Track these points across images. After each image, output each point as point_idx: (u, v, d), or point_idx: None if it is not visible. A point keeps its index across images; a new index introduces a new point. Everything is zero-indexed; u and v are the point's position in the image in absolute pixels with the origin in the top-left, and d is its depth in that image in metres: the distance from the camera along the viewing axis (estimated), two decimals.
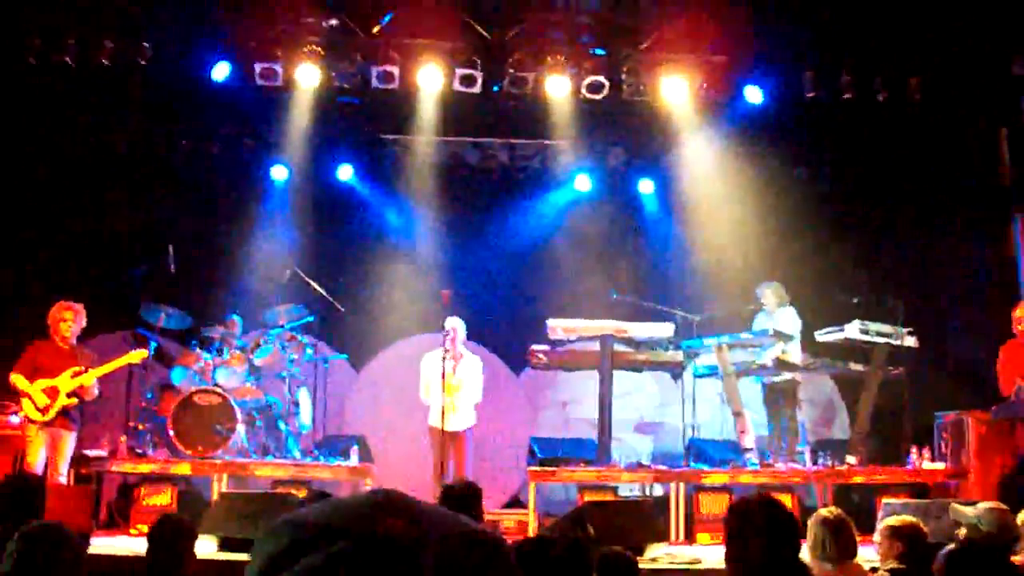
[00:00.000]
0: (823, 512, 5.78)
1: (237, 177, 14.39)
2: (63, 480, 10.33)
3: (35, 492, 6.16)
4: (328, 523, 1.08)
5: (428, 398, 11.78)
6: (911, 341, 12.16)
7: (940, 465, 11.56)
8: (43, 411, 10.15)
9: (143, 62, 12.59)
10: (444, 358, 11.27)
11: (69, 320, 10.52)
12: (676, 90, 13.26)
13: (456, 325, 11.74)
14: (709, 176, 14.40)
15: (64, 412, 10.25)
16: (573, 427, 14.09)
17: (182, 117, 13.98)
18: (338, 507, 1.09)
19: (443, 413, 11.32)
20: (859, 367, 12.27)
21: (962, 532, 7.07)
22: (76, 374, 10.28)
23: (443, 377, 11.17)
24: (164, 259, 12.42)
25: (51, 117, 13.49)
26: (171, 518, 5.91)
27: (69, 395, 10.23)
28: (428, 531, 1.06)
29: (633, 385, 13.79)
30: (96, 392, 10.54)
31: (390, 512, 1.07)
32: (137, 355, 10.93)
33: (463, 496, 6.55)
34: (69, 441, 10.37)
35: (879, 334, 12.01)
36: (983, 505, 7.28)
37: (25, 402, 10.19)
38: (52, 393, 10.18)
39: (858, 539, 5.88)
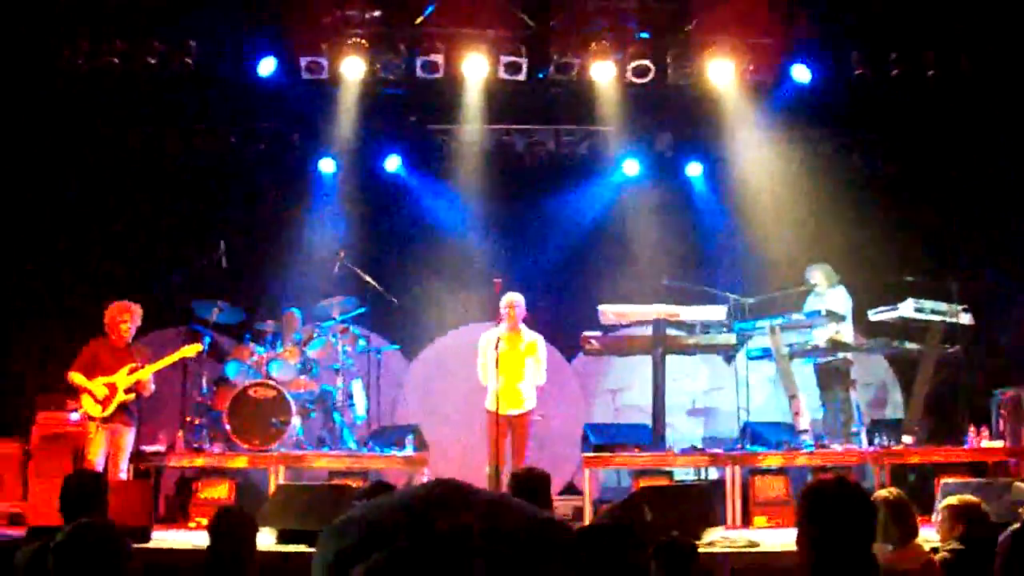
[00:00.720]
0: (883, 493, 5.75)
1: (285, 171, 14.46)
2: (123, 476, 10.45)
3: (97, 489, 6.21)
4: (387, 521, 1.08)
5: (485, 379, 11.32)
6: (966, 319, 12.03)
7: (998, 443, 11.45)
8: (103, 407, 10.27)
9: (189, 61, 12.71)
10: (500, 337, 10.94)
11: (128, 320, 10.64)
12: (722, 72, 13.20)
13: (515, 300, 11.29)
14: (758, 158, 14.31)
15: (123, 408, 10.38)
16: (625, 413, 14.07)
17: (230, 114, 14.07)
18: (396, 504, 1.10)
19: (498, 396, 11.00)
20: (914, 346, 12.16)
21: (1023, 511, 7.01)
22: (133, 370, 10.40)
23: (497, 358, 10.82)
24: (216, 255, 12.54)
25: (101, 118, 13.62)
26: (231, 510, 5.96)
27: (127, 391, 10.36)
28: (486, 525, 1.07)
29: (685, 370, 13.74)
30: (152, 388, 10.67)
31: (447, 507, 1.07)
32: (191, 349, 11.04)
33: (528, 483, 6.54)
34: (128, 437, 10.50)
35: (934, 312, 11.89)
36: None
37: (85, 399, 10.32)
38: (111, 389, 10.30)
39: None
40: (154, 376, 10.80)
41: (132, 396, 10.43)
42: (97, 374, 10.35)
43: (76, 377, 10.34)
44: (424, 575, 1.04)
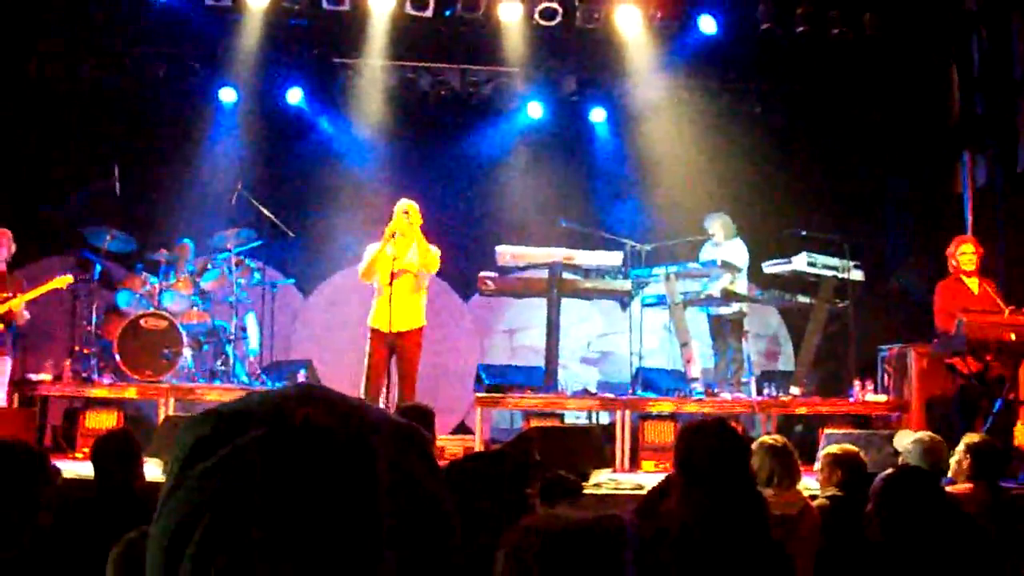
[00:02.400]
0: (767, 439, 5.86)
1: (185, 99, 14.14)
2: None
3: None
4: (248, 411, 1.07)
5: (368, 275, 10.48)
6: (857, 275, 12.29)
7: (882, 398, 11.72)
8: None
9: None
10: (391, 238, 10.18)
11: None
12: (629, 18, 13.22)
13: (409, 205, 10.42)
14: (661, 106, 14.37)
15: None
16: (520, 355, 14.14)
17: (127, 37, 13.71)
18: (259, 398, 1.10)
19: (389, 309, 10.08)
20: (805, 299, 12.38)
21: (901, 460, 7.19)
22: (2, 300, 10.19)
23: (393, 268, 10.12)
24: (110, 181, 12.28)
25: None
26: (114, 433, 5.87)
27: None
28: (345, 420, 1.06)
29: (580, 314, 13.85)
30: (26, 316, 10.46)
31: (308, 401, 1.07)
32: (62, 280, 10.83)
33: (413, 418, 6.55)
34: (4, 366, 10.30)
35: (826, 267, 12.12)
36: (912, 435, 7.41)
37: None
38: None
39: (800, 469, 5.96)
40: (43, 304, 10.59)
41: (1, 326, 10.21)
42: None
43: None
44: (280, 463, 1.03)
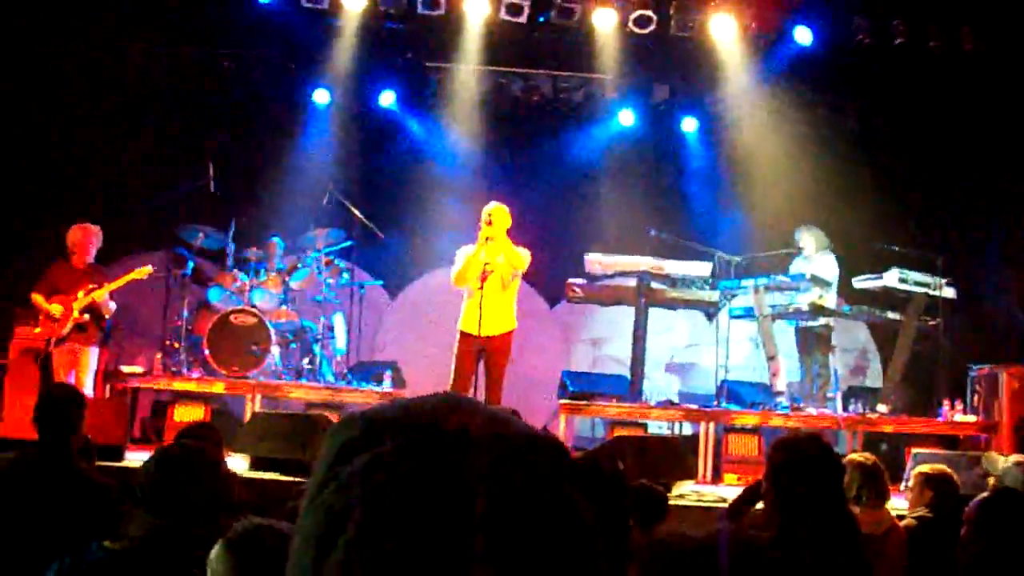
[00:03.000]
0: (857, 456, 5.78)
1: (279, 100, 14.35)
2: (88, 393, 10.44)
3: (73, 404, 6.17)
4: (396, 417, 1.09)
5: (460, 281, 10.39)
6: (949, 292, 12.08)
7: (971, 418, 11.51)
8: (59, 327, 10.31)
9: None
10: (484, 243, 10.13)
11: (86, 242, 10.63)
12: (724, 28, 13.14)
13: (495, 209, 10.33)
14: (754, 117, 14.27)
15: (80, 328, 10.39)
16: (604, 363, 14.12)
17: (226, 38, 13.94)
18: (403, 405, 1.12)
19: (479, 312, 10.06)
20: (895, 316, 12.20)
21: (991, 482, 7.06)
22: (88, 291, 10.40)
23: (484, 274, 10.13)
24: (204, 179, 12.46)
25: (92, 34, 13.44)
26: (200, 424, 5.94)
27: (82, 311, 10.36)
28: (491, 430, 1.08)
29: (666, 324, 13.77)
30: (112, 307, 10.66)
31: (454, 411, 1.08)
32: (141, 271, 10.96)
33: None
34: (89, 356, 10.52)
35: (917, 284, 11.93)
36: (1012, 458, 7.27)
37: (43, 320, 10.35)
38: (66, 310, 10.33)
39: None
40: (137, 298, 10.80)
41: (86, 317, 10.42)
42: (56, 295, 10.39)
43: (36, 298, 10.41)
44: (428, 469, 1.04)
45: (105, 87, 13.72)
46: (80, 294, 10.38)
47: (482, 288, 10.07)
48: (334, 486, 1.08)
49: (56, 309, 10.33)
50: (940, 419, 11.55)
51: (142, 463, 3.97)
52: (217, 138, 13.78)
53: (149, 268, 11.12)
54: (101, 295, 10.51)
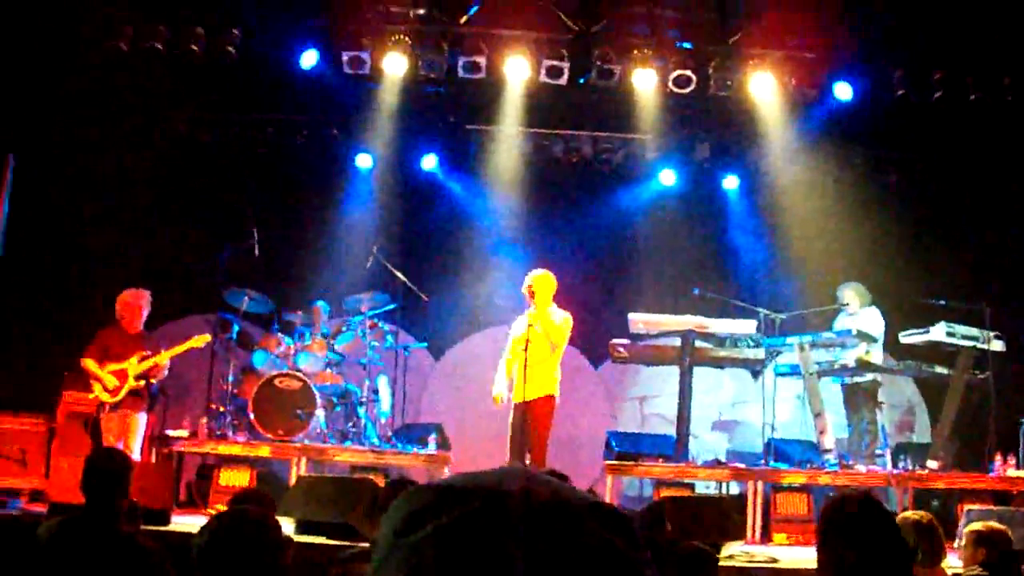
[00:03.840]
0: (911, 515, 5.70)
1: (322, 164, 14.51)
2: (135, 459, 10.49)
3: (122, 469, 6.21)
4: (469, 487, 1.10)
5: (508, 373, 10.86)
6: (998, 345, 11.95)
7: None
8: (112, 393, 10.36)
9: (232, 50, 12.73)
10: (526, 315, 10.53)
11: (138, 308, 10.71)
12: (764, 85, 13.15)
13: (532, 278, 10.82)
14: (795, 173, 14.28)
15: (133, 394, 10.46)
16: (650, 422, 14.05)
17: (269, 104, 14.13)
18: (479, 475, 1.12)
19: (522, 377, 10.42)
20: (943, 370, 12.07)
21: None
22: (143, 358, 10.46)
23: (512, 342, 10.72)
24: (249, 244, 12.56)
25: (140, 103, 13.67)
26: (254, 490, 5.94)
27: (137, 378, 10.43)
28: (559, 498, 1.08)
29: (711, 382, 13.69)
30: (165, 373, 10.70)
31: (526, 481, 1.08)
32: (200, 340, 11.04)
33: None
34: (139, 421, 10.57)
35: (965, 337, 11.81)
36: None
37: (96, 385, 10.42)
38: (121, 376, 10.38)
39: None
40: (183, 362, 10.87)
41: (141, 383, 10.48)
42: (109, 361, 10.45)
43: (88, 364, 10.45)
44: (495, 537, 1.05)
45: (152, 153, 13.93)
46: (133, 360, 10.44)
47: (525, 352, 10.38)
48: (406, 551, 1.08)
49: (110, 381, 10.38)
50: (992, 474, 11.38)
51: (199, 529, 3.95)
52: (261, 203, 13.91)
53: (207, 337, 11.21)
54: (160, 361, 10.57)
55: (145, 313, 10.82)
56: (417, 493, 1.14)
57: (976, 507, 9.70)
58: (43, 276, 13.56)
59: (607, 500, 9.90)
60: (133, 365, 10.43)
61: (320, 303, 12.70)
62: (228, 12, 12.75)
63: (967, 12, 12.46)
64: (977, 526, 6.33)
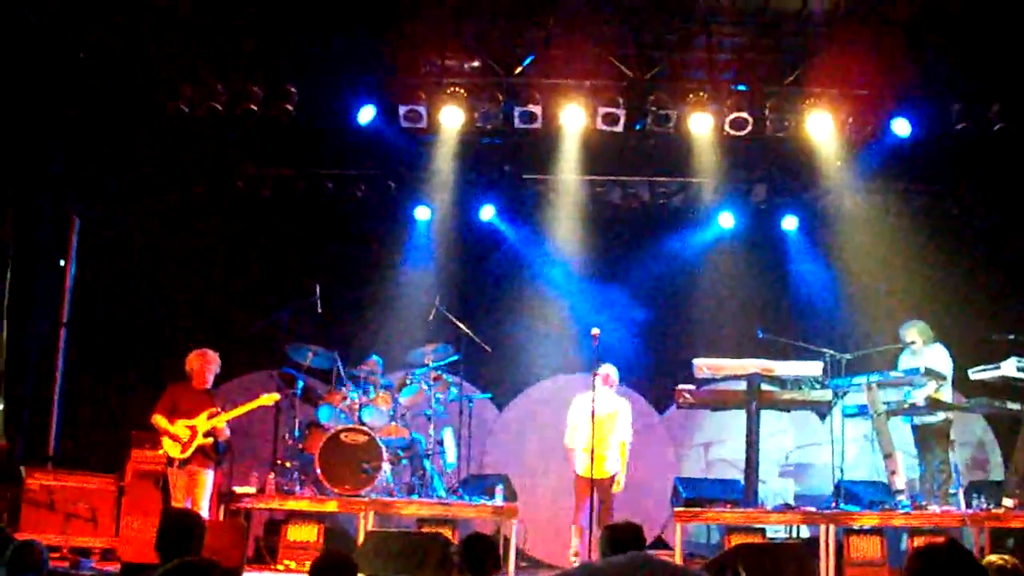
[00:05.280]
0: (995, 559, 5.57)
1: (381, 217, 14.61)
2: (204, 515, 10.52)
3: (195, 528, 6.23)
4: None
5: (573, 443, 11.79)
6: None
7: None
8: (183, 449, 10.42)
9: (290, 107, 12.85)
10: (593, 400, 10.93)
11: (207, 366, 10.79)
12: (821, 125, 13.09)
13: (608, 371, 11.73)
14: (855, 211, 14.21)
15: (201, 451, 10.50)
16: (717, 467, 13.93)
17: (328, 159, 14.26)
18: (601, 570, 1.11)
19: (591, 459, 11.17)
20: (1016, 406, 11.87)
21: None
22: (212, 415, 10.53)
23: (592, 419, 10.89)
24: (311, 299, 12.65)
25: (200, 163, 13.86)
26: (335, 553, 5.90)
27: (206, 435, 10.48)
28: None
29: (776, 426, 13.56)
30: (228, 432, 10.74)
31: (649, 572, 1.07)
32: (269, 398, 11.12)
33: (622, 535, 6.40)
34: (207, 478, 10.60)
35: None
36: None
37: (166, 441, 10.48)
38: (191, 433, 10.44)
39: None
40: (249, 418, 10.94)
41: (211, 440, 10.54)
42: (178, 418, 10.51)
43: (158, 420, 10.52)
44: None
45: (213, 211, 14.11)
46: (203, 416, 10.51)
47: (592, 436, 11.01)
48: None
49: (183, 433, 10.46)
50: None
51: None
52: (322, 258, 14.03)
53: (276, 396, 11.29)
54: (223, 421, 10.63)
55: (214, 371, 10.89)
56: None
57: None
58: (110, 337, 13.72)
59: (675, 551, 9.85)
60: (202, 422, 10.49)
61: (374, 357, 12.72)
62: (284, 69, 12.88)
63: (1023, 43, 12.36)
64: None
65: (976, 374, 12.00)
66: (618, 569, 0.98)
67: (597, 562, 1.23)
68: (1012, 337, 11.88)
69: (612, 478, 11.62)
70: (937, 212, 14.40)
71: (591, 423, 10.88)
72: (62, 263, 13.62)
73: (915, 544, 10.73)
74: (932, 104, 13.22)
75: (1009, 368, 11.61)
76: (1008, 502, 11.42)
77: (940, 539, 7.91)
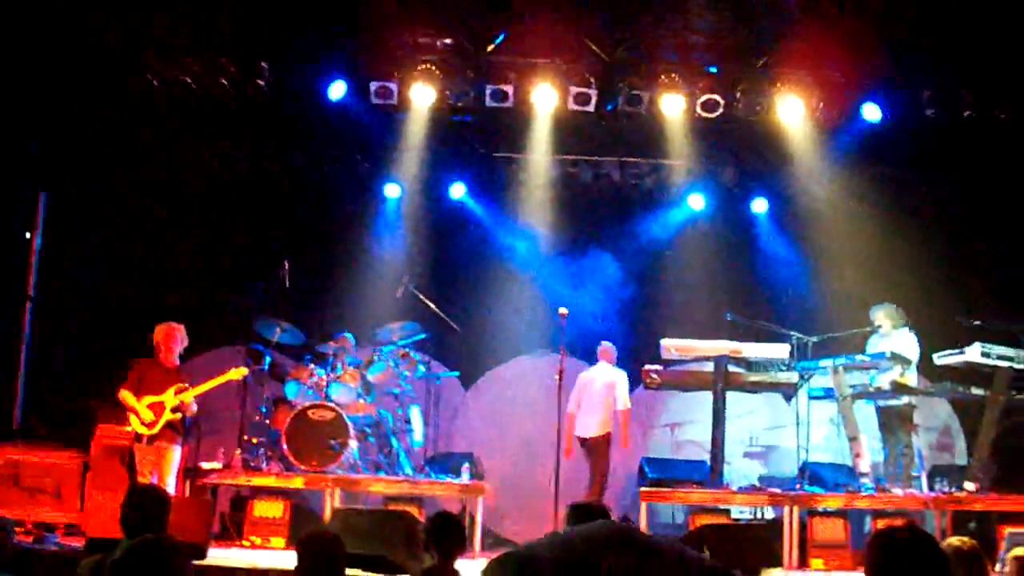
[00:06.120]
0: (955, 542, 5.62)
1: (351, 195, 14.57)
2: (170, 492, 10.48)
3: (160, 505, 6.21)
4: (556, 557, 1.09)
5: (573, 409, 12.51)
6: None
7: None
8: (149, 426, 10.36)
9: (261, 83, 12.79)
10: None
11: (174, 342, 10.71)
12: (792, 108, 13.13)
13: (607, 347, 12.77)
14: (824, 195, 14.24)
15: (169, 426, 10.43)
16: (684, 448, 13.96)
17: (298, 136, 14.18)
18: (567, 541, 1.11)
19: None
20: (980, 391, 11.96)
21: None
22: (179, 391, 10.45)
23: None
24: (279, 275, 12.60)
25: (169, 137, 13.75)
26: (323, 532, 5.90)
27: (173, 411, 10.42)
28: (653, 564, 1.07)
29: (743, 407, 13.61)
30: (195, 408, 10.67)
31: (618, 547, 1.07)
32: (237, 373, 11.05)
33: (589, 517, 6.40)
34: (174, 454, 10.54)
35: (1001, 357, 11.72)
36: None
37: (132, 418, 10.41)
38: (158, 409, 10.37)
39: None
40: (215, 394, 10.88)
41: (178, 416, 10.48)
42: (145, 393, 10.43)
43: (125, 396, 10.43)
44: None
45: (182, 187, 14.01)
46: (170, 392, 10.43)
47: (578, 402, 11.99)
48: None
49: (148, 411, 10.39)
50: None
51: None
52: (291, 234, 13.97)
53: (245, 370, 11.23)
54: (191, 396, 10.56)
55: (181, 346, 10.82)
56: (503, 563, 1.13)
57: (1018, 530, 9.62)
58: (76, 312, 13.62)
59: (642, 528, 9.89)
60: (170, 397, 10.43)
61: (347, 334, 12.69)
62: (256, 46, 12.80)
63: (994, 31, 12.40)
64: (1019, 551, 6.26)
65: (941, 359, 12.07)
66: (586, 535, 0.99)
67: (565, 531, 1.25)
68: (977, 323, 11.95)
69: (596, 439, 12.31)
70: (906, 197, 14.42)
71: (579, 392, 12.31)
72: (28, 236, 13.52)
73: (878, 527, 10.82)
74: (903, 90, 13.27)
75: (974, 353, 11.69)
76: (970, 486, 11.51)
77: (899, 522, 7.99)
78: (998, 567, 8.63)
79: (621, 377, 12.56)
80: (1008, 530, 9.66)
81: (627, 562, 0.99)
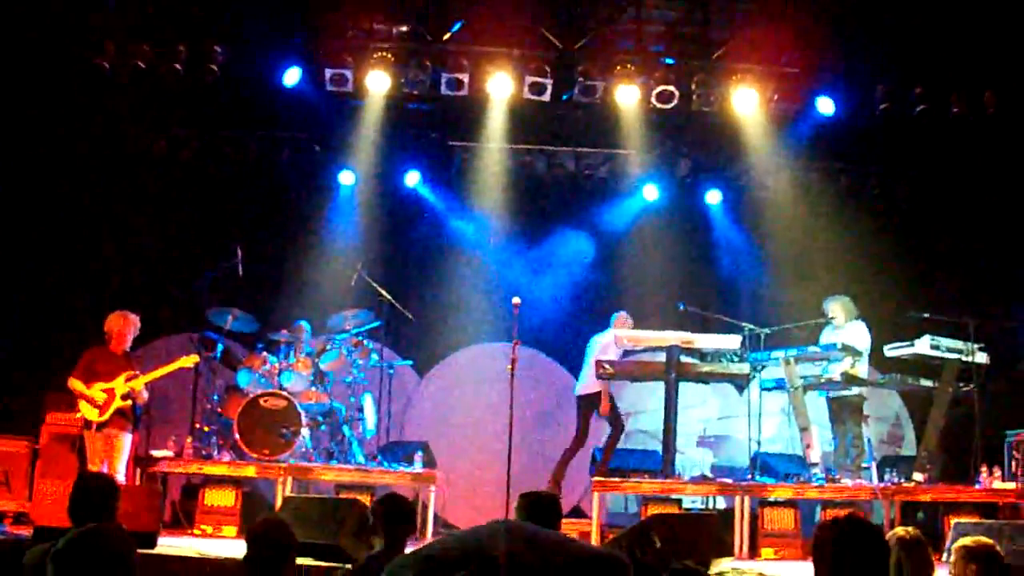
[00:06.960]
0: (899, 531, 5.68)
1: (305, 182, 14.49)
2: (120, 480, 10.41)
3: (109, 493, 6.15)
4: (452, 553, 1.09)
5: None
6: (982, 358, 11.95)
7: (1010, 485, 11.34)
8: (100, 411, 10.28)
9: (214, 67, 12.70)
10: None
11: (126, 329, 10.64)
12: (747, 101, 13.20)
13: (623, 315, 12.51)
14: (778, 187, 14.33)
15: (119, 414, 10.38)
16: (635, 438, 13.97)
17: (252, 122, 14.09)
18: (462, 538, 1.11)
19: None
20: (929, 383, 12.07)
21: None
22: (130, 378, 10.40)
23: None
24: (232, 263, 12.52)
25: (122, 121, 13.61)
26: (273, 520, 5.86)
27: (124, 398, 10.35)
28: (547, 555, 1.07)
29: (696, 398, 13.68)
30: (146, 395, 10.62)
31: (511, 540, 1.08)
32: (188, 360, 11.00)
33: (541, 506, 6.39)
34: (124, 441, 10.49)
35: (950, 350, 11.83)
36: None
37: (83, 404, 10.33)
38: (108, 396, 10.31)
39: None
40: (167, 381, 10.82)
41: (128, 403, 10.41)
42: (95, 381, 10.36)
43: (75, 383, 10.36)
44: None
45: (134, 171, 13.87)
46: (120, 379, 10.37)
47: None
48: None
49: (99, 396, 10.31)
50: (978, 486, 11.40)
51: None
52: (244, 221, 13.88)
53: (195, 357, 11.18)
54: (142, 383, 10.50)
55: (134, 333, 10.75)
56: (406, 564, 1.13)
57: (963, 520, 9.71)
58: (25, 297, 13.47)
59: (592, 521, 9.92)
60: (120, 384, 10.36)
61: (303, 322, 12.66)
62: (210, 30, 12.71)
63: (948, 28, 12.51)
64: (966, 541, 6.29)
65: (892, 351, 12.17)
66: (480, 535, 1.00)
67: (462, 530, 1.27)
68: (927, 316, 12.05)
69: (579, 398, 12.46)
70: (859, 191, 14.55)
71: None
72: None
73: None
74: (856, 84, 13.38)
75: (923, 346, 11.78)
76: (918, 476, 11.62)
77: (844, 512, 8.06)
78: (944, 556, 8.70)
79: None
80: (954, 520, 9.74)
81: (520, 550, 1.01)
